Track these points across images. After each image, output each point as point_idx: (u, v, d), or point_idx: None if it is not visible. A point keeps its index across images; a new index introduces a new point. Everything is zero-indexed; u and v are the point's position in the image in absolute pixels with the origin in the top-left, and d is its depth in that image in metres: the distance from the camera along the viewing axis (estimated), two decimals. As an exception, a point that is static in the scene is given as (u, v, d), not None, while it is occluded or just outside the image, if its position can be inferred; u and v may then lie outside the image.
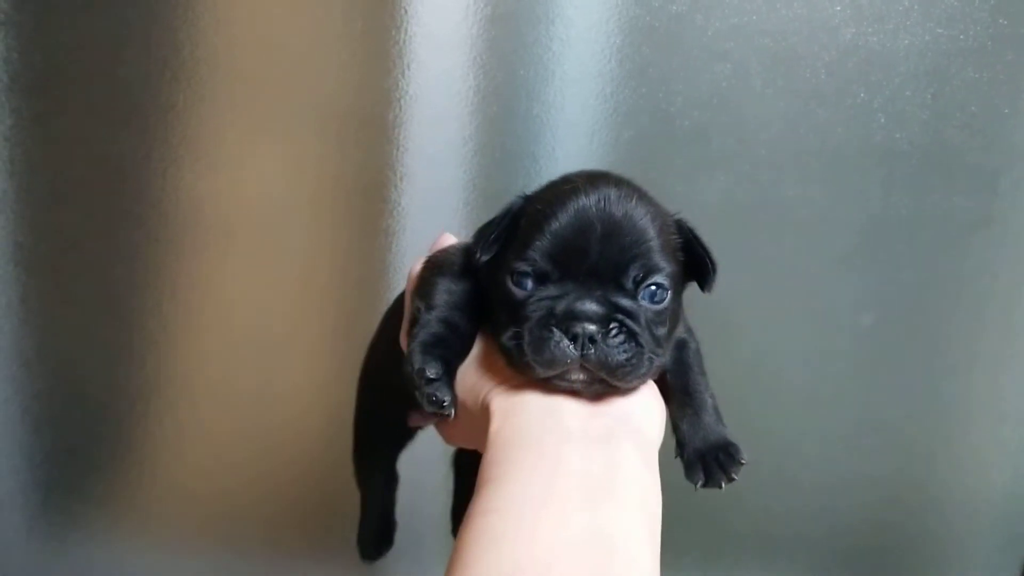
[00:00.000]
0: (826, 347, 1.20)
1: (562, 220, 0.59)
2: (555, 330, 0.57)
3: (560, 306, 0.57)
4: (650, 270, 0.59)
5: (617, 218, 0.59)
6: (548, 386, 0.59)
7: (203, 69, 1.08)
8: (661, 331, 0.61)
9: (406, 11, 1.06)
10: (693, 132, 1.11)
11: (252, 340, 1.19)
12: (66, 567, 1.26)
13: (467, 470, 0.90)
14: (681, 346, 0.68)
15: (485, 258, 0.63)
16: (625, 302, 0.59)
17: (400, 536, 0.95)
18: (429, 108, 1.09)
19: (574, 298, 0.58)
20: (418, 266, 0.71)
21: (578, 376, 0.58)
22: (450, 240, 0.74)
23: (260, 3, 1.07)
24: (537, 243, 0.59)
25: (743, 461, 0.64)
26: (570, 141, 1.11)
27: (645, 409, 0.61)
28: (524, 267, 0.60)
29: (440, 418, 0.64)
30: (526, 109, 1.10)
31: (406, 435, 0.87)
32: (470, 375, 0.63)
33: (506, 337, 0.59)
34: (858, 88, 1.10)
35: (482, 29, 1.07)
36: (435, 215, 1.12)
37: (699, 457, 0.64)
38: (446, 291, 0.66)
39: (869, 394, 1.23)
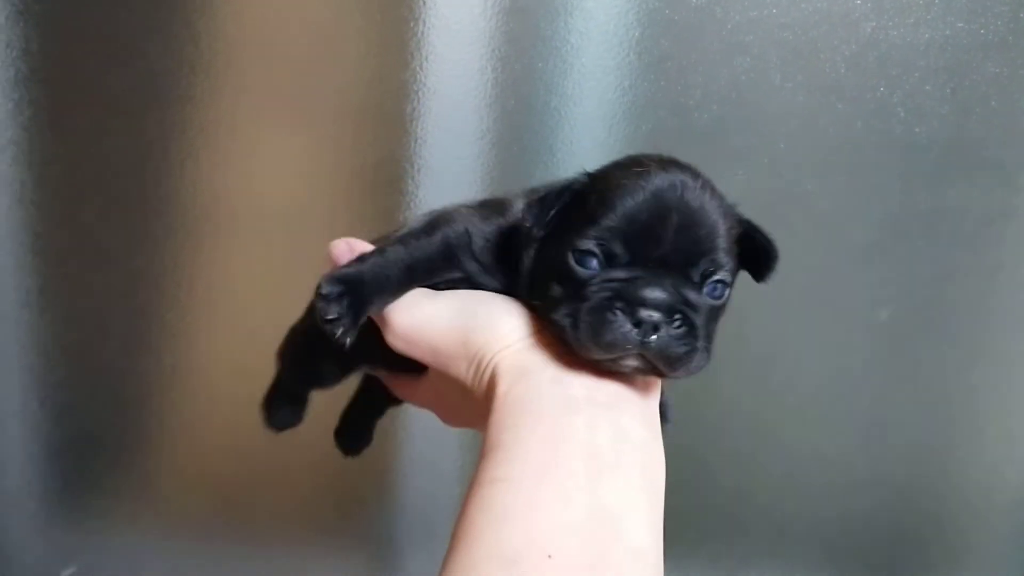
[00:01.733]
0: (842, 341, 1.20)
1: (638, 203, 0.57)
2: (619, 313, 0.55)
3: (629, 290, 0.56)
4: (718, 266, 0.58)
5: (694, 208, 0.58)
6: (556, 351, 0.58)
7: (221, 61, 1.08)
8: (713, 327, 0.60)
9: (424, 3, 1.06)
10: (711, 126, 1.11)
11: (269, 331, 1.19)
12: (84, 555, 1.27)
13: (371, 389, 0.89)
14: None
15: (540, 234, 0.61)
16: (691, 295, 0.57)
17: (412, 522, 0.96)
18: (447, 101, 1.09)
19: (643, 284, 0.56)
20: None
21: (633, 363, 0.56)
22: (347, 246, 0.71)
23: (279, -5, 1.08)
24: (608, 223, 0.57)
25: (668, 420, 0.64)
26: (588, 134, 1.11)
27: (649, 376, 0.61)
28: (591, 247, 0.58)
29: (337, 341, 0.61)
30: (544, 102, 1.10)
31: (347, 373, 0.82)
32: (472, 344, 0.61)
33: (561, 314, 0.58)
34: (878, 82, 1.09)
35: (500, 22, 1.07)
36: (452, 207, 1.12)
37: None
38: (409, 247, 0.65)
39: (884, 389, 1.23)
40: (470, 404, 0.63)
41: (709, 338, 0.59)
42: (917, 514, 1.28)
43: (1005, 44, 1.08)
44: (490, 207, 0.68)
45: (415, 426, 1.22)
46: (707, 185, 0.60)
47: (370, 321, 0.66)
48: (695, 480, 1.25)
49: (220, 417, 1.23)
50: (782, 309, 1.19)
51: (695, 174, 0.60)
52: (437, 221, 0.67)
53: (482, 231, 0.66)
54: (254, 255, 1.17)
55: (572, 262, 0.58)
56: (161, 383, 1.21)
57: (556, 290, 0.59)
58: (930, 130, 1.11)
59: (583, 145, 1.11)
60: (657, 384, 0.61)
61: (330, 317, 0.60)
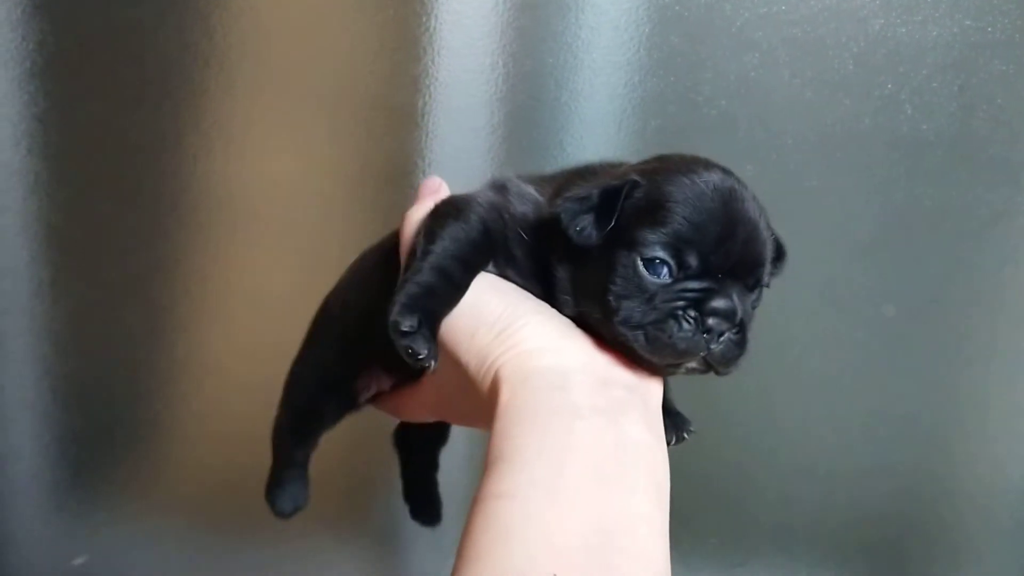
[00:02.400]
0: (847, 337, 1.21)
1: (710, 213, 0.58)
2: (692, 322, 0.57)
3: (702, 301, 0.57)
4: (765, 276, 0.61)
5: (756, 221, 0.59)
6: (555, 354, 0.58)
7: (235, 55, 1.09)
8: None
9: (437, -2, 1.07)
10: (720, 121, 1.11)
11: (279, 324, 1.19)
12: (94, 544, 1.27)
13: (411, 446, 0.90)
14: None
15: (594, 240, 0.59)
16: (748, 303, 0.60)
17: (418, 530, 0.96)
18: (458, 96, 1.10)
19: (714, 295, 0.57)
20: (418, 212, 0.68)
21: (694, 366, 0.58)
22: (438, 184, 0.72)
23: (292, -10, 1.08)
24: (680, 232, 0.57)
25: (692, 429, 0.65)
26: (598, 129, 1.12)
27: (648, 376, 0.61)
28: (664, 255, 0.58)
29: (414, 370, 0.61)
30: (554, 97, 1.10)
31: (350, 405, 0.81)
32: (480, 338, 0.61)
33: (626, 323, 0.58)
34: (885, 79, 1.10)
35: (512, 17, 1.08)
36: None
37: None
38: (451, 236, 0.63)
39: (888, 384, 1.23)
40: (471, 399, 0.62)
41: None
42: (922, 509, 1.29)
43: (1012, 42, 1.09)
44: (501, 192, 0.67)
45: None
46: (752, 194, 0.62)
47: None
48: (700, 474, 1.26)
49: (231, 409, 1.23)
50: (788, 304, 1.19)
51: (741, 182, 0.62)
52: (468, 202, 0.65)
53: (514, 219, 0.65)
54: (266, 248, 1.17)
55: (641, 269, 0.58)
56: (172, 374, 1.22)
57: (615, 296, 0.59)
58: (937, 127, 1.12)
59: (593, 140, 1.12)
60: (659, 386, 0.61)
61: (421, 356, 0.59)
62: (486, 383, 0.59)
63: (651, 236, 0.58)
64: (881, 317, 1.20)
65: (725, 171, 0.62)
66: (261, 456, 1.25)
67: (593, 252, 0.60)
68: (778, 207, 1.13)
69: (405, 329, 0.59)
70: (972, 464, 1.27)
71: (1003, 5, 1.07)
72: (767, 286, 0.62)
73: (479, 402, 0.61)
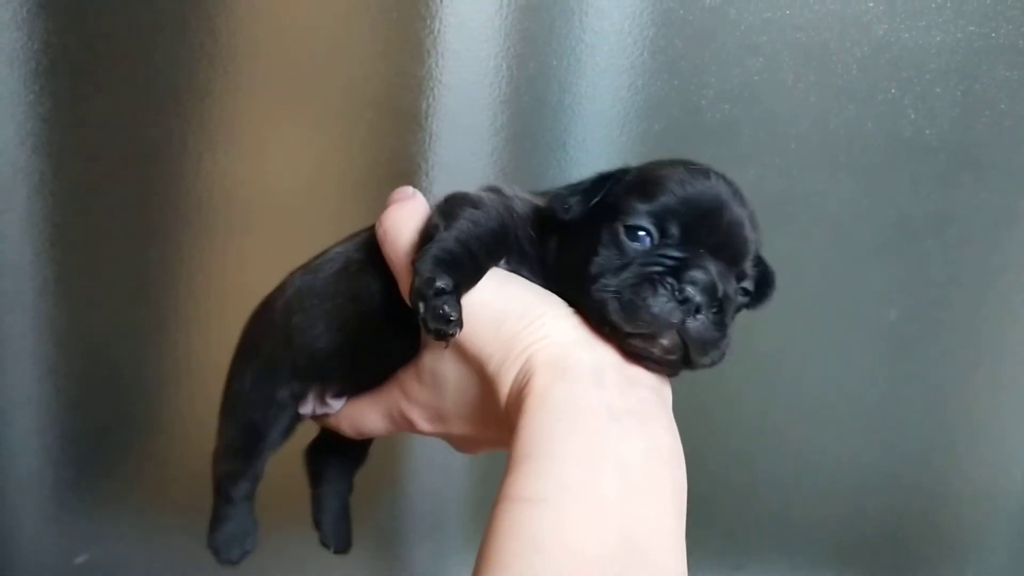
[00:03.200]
0: (851, 341, 1.21)
1: (698, 191, 0.58)
2: (667, 287, 0.55)
3: (680, 267, 0.56)
4: (748, 271, 0.60)
5: (743, 211, 0.59)
6: (591, 349, 0.56)
7: (240, 55, 1.09)
8: (731, 325, 0.59)
9: (440, 1, 1.07)
10: (723, 125, 1.12)
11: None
12: (97, 542, 1.28)
13: (326, 466, 0.84)
14: None
15: (578, 213, 0.59)
16: (729, 288, 0.58)
17: (420, 516, 0.96)
18: (462, 97, 1.10)
19: (695, 264, 0.56)
20: (397, 214, 0.65)
21: (666, 342, 0.56)
22: (411, 192, 0.68)
23: (298, -9, 1.09)
24: (666, 203, 0.57)
25: None
26: (601, 132, 1.12)
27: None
28: (646, 223, 0.57)
29: (439, 342, 0.57)
30: (558, 100, 1.11)
31: (293, 428, 0.77)
32: (509, 324, 0.58)
33: (600, 287, 0.57)
34: (889, 84, 1.10)
35: (516, 20, 1.08)
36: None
37: None
38: (470, 219, 0.60)
39: (891, 388, 1.24)
40: (473, 398, 0.61)
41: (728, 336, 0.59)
42: (922, 513, 1.29)
43: (1015, 48, 1.09)
44: (500, 194, 0.65)
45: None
46: (747, 200, 0.61)
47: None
48: (701, 476, 1.24)
49: (233, 408, 1.24)
50: (791, 308, 1.19)
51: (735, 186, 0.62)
52: (480, 196, 0.64)
53: (523, 211, 0.64)
54: (269, 248, 1.17)
55: (622, 235, 0.58)
56: (175, 374, 1.22)
57: (595, 265, 0.58)
58: (940, 132, 1.12)
59: (596, 143, 1.12)
60: (669, 384, 0.60)
61: (453, 318, 0.55)
62: (511, 373, 0.57)
63: (637, 206, 0.58)
64: (884, 321, 1.20)
65: (720, 174, 0.62)
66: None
67: (580, 231, 0.60)
68: (781, 211, 1.15)
69: (441, 286, 0.55)
70: (973, 467, 1.28)
71: (1007, 11, 1.08)
72: (747, 289, 0.60)
73: (484, 403, 0.60)
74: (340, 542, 0.86)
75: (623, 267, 0.57)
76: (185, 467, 1.26)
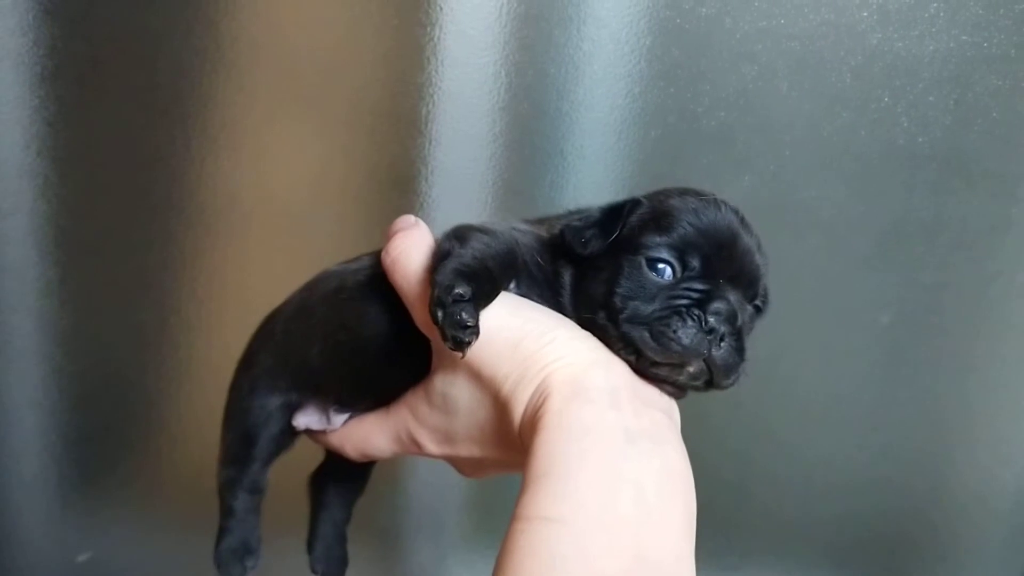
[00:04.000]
0: (844, 346, 1.22)
1: (714, 223, 0.60)
2: (692, 320, 0.57)
3: (705, 300, 0.58)
4: (765, 293, 0.63)
5: (755, 237, 0.62)
6: (606, 370, 0.58)
7: (242, 61, 1.11)
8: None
9: (441, 9, 1.08)
10: (719, 132, 1.13)
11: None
12: (99, 541, 1.29)
13: (328, 493, 0.86)
14: None
15: (598, 248, 0.61)
16: (746, 314, 0.61)
17: (420, 516, 0.97)
18: (461, 104, 1.11)
19: (717, 296, 0.58)
20: (404, 242, 0.65)
21: (692, 370, 0.58)
22: (413, 220, 0.68)
23: (300, -1, 1.10)
24: (684, 236, 0.60)
25: None
26: (598, 139, 1.13)
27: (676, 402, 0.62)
28: (668, 256, 0.60)
29: (456, 352, 0.57)
30: (556, 107, 1.12)
31: (287, 439, 0.79)
32: (526, 345, 0.59)
33: (629, 322, 0.59)
34: (882, 92, 1.11)
35: (514, 28, 1.09)
36: (464, 208, 1.14)
37: None
38: (483, 241, 0.62)
39: (884, 392, 1.25)
40: (485, 419, 0.61)
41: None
42: (914, 515, 1.30)
43: (1007, 57, 1.10)
44: (499, 226, 0.66)
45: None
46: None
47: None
48: (697, 478, 1.26)
49: (234, 409, 1.25)
50: (785, 312, 1.19)
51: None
52: (486, 225, 0.65)
53: (527, 241, 0.65)
54: (270, 252, 1.19)
55: (645, 269, 0.60)
56: (177, 375, 1.23)
57: (620, 298, 0.60)
58: (932, 140, 1.13)
59: (593, 149, 1.13)
60: (677, 405, 0.62)
61: (469, 323, 0.56)
62: (526, 394, 0.57)
63: (657, 239, 0.60)
64: (877, 325, 1.21)
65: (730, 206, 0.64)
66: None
67: (598, 262, 0.62)
68: (776, 217, 1.16)
69: (460, 292, 0.56)
70: (966, 468, 1.29)
71: (999, 20, 1.09)
72: (761, 309, 0.63)
73: (495, 425, 0.60)
74: (331, 570, 0.86)
75: (649, 299, 0.59)
76: (186, 467, 1.27)
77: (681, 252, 0.60)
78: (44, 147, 1.14)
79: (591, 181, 1.14)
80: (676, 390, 0.61)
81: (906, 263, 1.18)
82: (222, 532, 0.80)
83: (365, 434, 0.72)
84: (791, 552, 1.31)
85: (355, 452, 0.74)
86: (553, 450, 0.53)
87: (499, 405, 0.60)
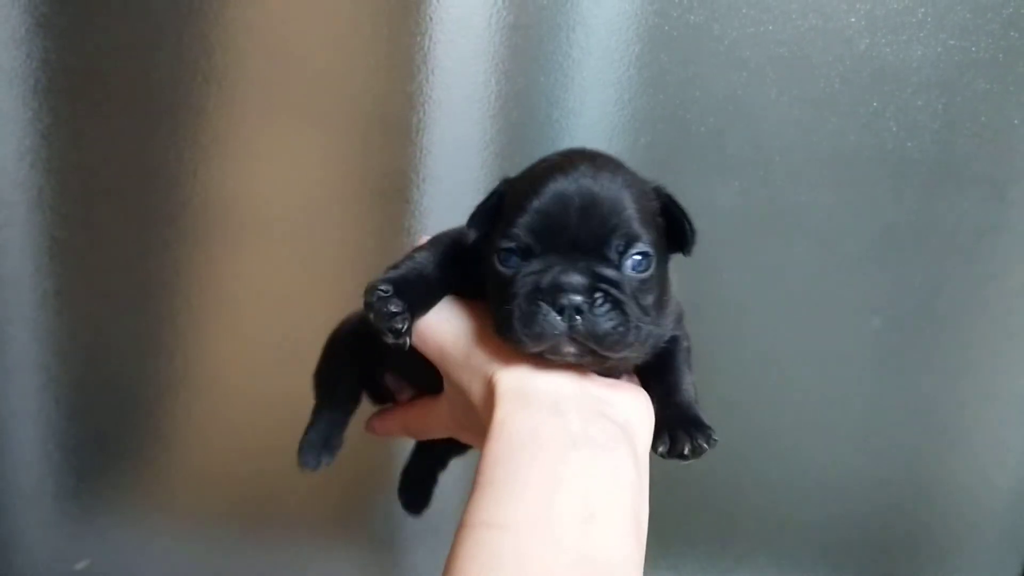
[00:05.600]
0: (836, 349, 1.22)
1: (540, 195, 0.59)
2: (542, 304, 0.57)
3: (545, 280, 0.57)
4: (632, 239, 0.59)
5: (595, 190, 0.59)
6: (550, 370, 0.59)
7: (233, 73, 1.11)
8: (648, 300, 0.60)
9: (431, 18, 1.08)
10: (709, 138, 1.13)
11: (277, 335, 1.22)
12: (97, 549, 1.30)
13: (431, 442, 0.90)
14: (672, 341, 0.68)
15: (474, 236, 0.64)
16: (609, 272, 0.58)
17: (417, 520, 0.98)
18: (452, 112, 1.11)
19: (558, 271, 0.58)
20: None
21: (568, 349, 0.58)
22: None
23: (289, 9, 1.10)
24: (519, 220, 0.59)
25: (714, 438, 0.62)
26: (588, 146, 1.12)
27: (641, 415, 0.61)
28: (508, 244, 0.60)
29: (395, 343, 0.62)
30: (546, 114, 1.12)
31: (376, 388, 0.86)
32: (476, 355, 0.62)
33: (497, 314, 0.60)
34: (871, 97, 1.12)
35: (504, 36, 1.10)
36: (456, 216, 1.12)
37: (667, 427, 0.63)
38: (428, 252, 0.67)
39: (877, 395, 1.25)
40: (475, 418, 0.63)
41: (645, 312, 0.60)
42: (909, 517, 1.30)
43: (995, 62, 1.10)
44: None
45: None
46: (610, 166, 0.62)
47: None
48: (691, 481, 1.27)
49: (230, 417, 1.26)
50: (777, 316, 1.21)
51: (598, 158, 0.62)
52: (440, 235, 0.70)
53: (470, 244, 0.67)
54: (264, 260, 1.19)
55: (496, 262, 0.61)
56: (173, 384, 1.24)
57: (493, 293, 0.61)
58: (921, 144, 1.13)
59: (584, 157, 1.13)
60: (647, 423, 0.61)
61: (393, 309, 0.60)
62: (482, 400, 0.60)
63: (503, 230, 0.61)
64: (868, 329, 1.22)
65: (584, 154, 0.63)
66: (261, 463, 1.28)
67: (485, 259, 0.64)
68: (765, 222, 1.16)
69: (382, 289, 0.61)
70: (959, 469, 1.29)
71: (986, 25, 1.09)
72: (645, 253, 0.60)
73: (482, 422, 0.62)
74: (418, 507, 0.95)
75: (510, 296, 0.59)
76: (183, 475, 1.28)
77: (517, 237, 0.59)
78: (38, 159, 1.14)
79: (582, 188, 1.14)
80: (590, 365, 0.60)
81: (897, 267, 1.18)
82: (309, 426, 0.85)
83: (417, 416, 0.78)
84: (786, 554, 1.32)
85: (412, 434, 0.80)
86: (497, 458, 0.54)
87: (472, 408, 0.62)
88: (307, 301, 1.20)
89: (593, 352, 0.58)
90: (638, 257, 0.60)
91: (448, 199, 1.14)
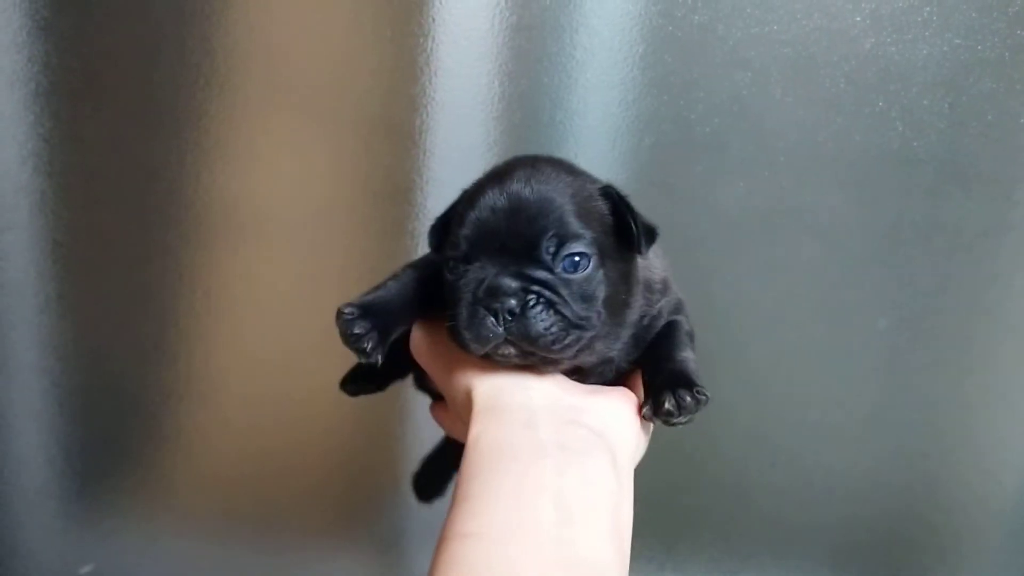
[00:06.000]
0: (842, 349, 1.22)
1: (475, 205, 0.61)
2: (480, 308, 0.58)
3: (480, 286, 0.59)
4: (565, 239, 0.60)
5: (524, 194, 0.60)
6: (526, 382, 0.60)
7: (236, 76, 1.11)
8: (595, 298, 0.61)
9: (434, 20, 1.08)
10: (713, 139, 1.12)
11: (280, 337, 1.22)
12: (101, 553, 1.30)
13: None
14: (671, 324, 0.69)
15: (432, 248, 0.67)
16: (541, 274, 0.59)
17: (422, 521, 0.98)
18: (455, 114, 1.11)
19: (492, 275, 0.59)
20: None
21: (508, 351, 0.59)
22: None
23: (292, 12, 1.09)
24: (459, 230, 0.62)
25: (703, 394, 0.62)
26: (592, 147, 1.13)
27: (621, 421, 0.61)
28: (451, 252, 0.62)
29: (365, 360, 0.64)
30: (549, 116, 1.12)
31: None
32: (456, 369, 0.64)
33: (449, 320, 0.61)
34: (876, 97, 1.11)
35: (507, 38, 1.09)
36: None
37: (652, 391, 0.63)
38: (409, 270, 0.70)
39: (883, 396, 1.25)
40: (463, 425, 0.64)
41: (593, 311, 0.60)
42: (915, 518, 1.30)
43: (1001, 60, 1.09)
44: None
45: (425, 426, 1.24)
46: (547, 169, 0.62)
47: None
48: (696, 483, 1.27)
49: (233, 420, 1.25)
50: (783, 317, 1.20)
51: (538, 162, 0.63)
52: (423, 256, 0.72)
53: None
54: (267, 263, 1.19)
55: (446, 273, 0.62)
56: (176, 387, 1.24)
57: (448, 300, 0.63)
58: (927, 144, 1.13)
59: (588, 158, 1.13)
60: (627, 427, 0.62)
61: (357, 332, 0.62)
62: (465, 412, 0.61)
63: (451, 240, 0.63)
64: (874, 329, 1.21)
65: (525, 161, 0.64)
66: (265, 466, 1.28)
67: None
68: (770, 223, 1.16)
69: (348, 312, 0.63)
70: (965, 471, 1.28)
71: (992, 24, 1.08)
72: (582, 253, 0.60)
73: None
74: (429, 497, 0.98)
75: (453, 298, 0.61)
76: (187, 478, 1.28)
77: (457, 246, 0.61)
78: (40, 163, 1.14)
79: (586, 189, 1.14)
80: (547, 367, 0.62)
81: (902, 267, 1.18)
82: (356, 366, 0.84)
83: (446, 417, 0.78)
84: (791, 556, 1.31)
85: (446, 427, 0.81)
86: (472, 473, 0.55)
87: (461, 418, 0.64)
88: (310, 304, 1.20)
89: (534, 353, 0.59)
90: (575, 257, 0.60)
91: (452, 200, 1.13)
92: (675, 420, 0.61)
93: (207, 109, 1.12)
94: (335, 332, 1.20)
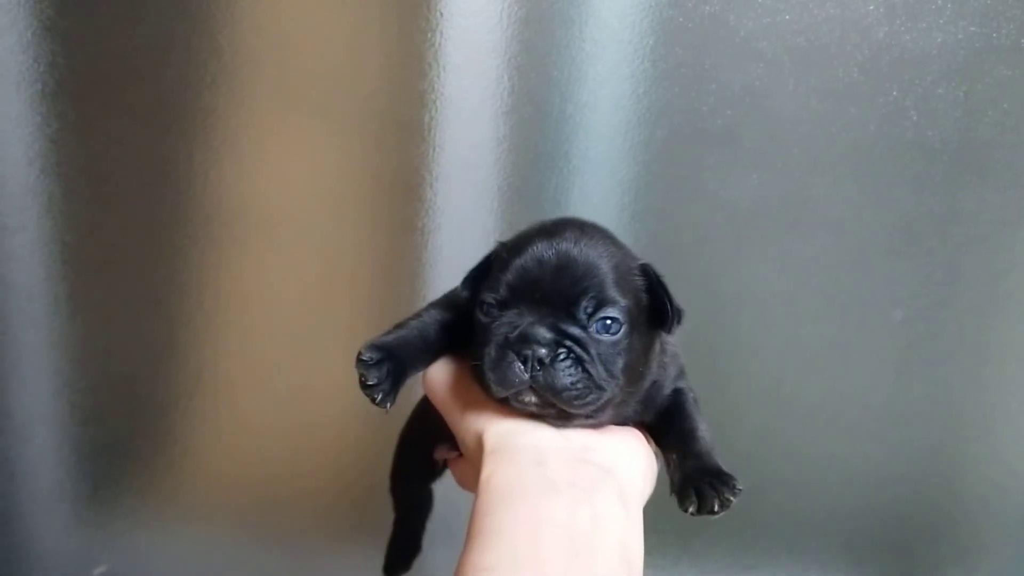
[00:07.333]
0: (858, 343, 1.21)
1: (523, 255, 0.63)
2: (510, 352, 0.60)
3: (516, 331, 0.61)
4: (601, 302, 0.62)
5: (572, 253, 0.63)
6: (536, 426, 0.62)
7: (243, 73, 1.10)
8: (618, 363, 0.63)
9: (441, 15, 1.07)
10: (725, 131, 1.12)
11: (291, 337, 1.22)
12: (113, 554, 1.30)
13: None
14: (678, 392, 0.72)
15: (465, 294, 0.68)
16: (575, 331, 0.62)
17: (431, 522, 0.98)
18: (464, 109, 1.11)
19: (527, 323, 0.61)
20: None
21: (530, 398, 0.61)
22: None
23: (299, 8, 1.09)
24: (501, 276, 0.63)
25: (739, 487, 0.64)
26: (603, 141, 1.12)
27: (630, 458, 0.64)
28: (489, 297, 0.63)
29: (377, 406, 0.66)
30: (560, 109, 1.11)
31: (435, 470, 0.90)
32: (469, 411, 0.65)
33: (475, 360, 0.63)
34: (890, 86, 1.10)
35: (516, 31, 1.08)
36: (469, 214, 1.14)
37: (692, 484, 0.65)
38: (429, 311, 0.72)
39: (900, 389, 1.24)
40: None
41: (611, 374, 0.63)
42: (931, 512, 1.29)
43: (1017, 48, 1.08)
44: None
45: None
46: (595, 234, 0.65)
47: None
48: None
49: (244, 420, 1.25)
50: (798, 310, 1.20)
51: (586, 227, 0.66)
52: (443, 296, 0.74)
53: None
54: (276, 262, 1.19)
55: (479, 313, 0.64)
56: (187, 387, 1.24)
57: (476, 341, 0.64)
58: (942, 133, 1.12)
59: (598, 151, 1.12)
60: (637, 466, 0.64)
61: (370, 383, 0.64)
62: (476, 455, 0.63)
63: (487, 285, 0.65)
64: (890, 322, 1.20)
65: (574, 223, 0.66)
66: (276, 466, 1.27)
67: (472, 312, 0.67)
68: (784, 215, 1.15)
69: (365, 357, 0.64)
70: (982, 465, 1.28)
71: (1008, 11, 1.07)
72: (615, 319, 0.63)
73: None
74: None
75: (483, 340, 0.63)
76: (198, 478, 1.28)
77: (499, 291, 0.63)
78: (48, 164, 1.14)
79: (597, 184, 1.13)
80: (563, 420, 0.63)
81: (919, 258, 1.17)
82: (394, 535, 0.95)
83: (462, 470, 0.80)
84: (807, 550, 1.31)
85: (461, 481, 0.83)
86: (484, 512, 0.57)
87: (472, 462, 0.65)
88: (321, 302, 1.19)
89: (554, 405, 0.62)
90: (608, 321, 0.63)
91: (462, 197, 1.13)
92: (715, 516, 0.63)
93: (215, 107, 1.12)
94: (345, 331, 1.21)
